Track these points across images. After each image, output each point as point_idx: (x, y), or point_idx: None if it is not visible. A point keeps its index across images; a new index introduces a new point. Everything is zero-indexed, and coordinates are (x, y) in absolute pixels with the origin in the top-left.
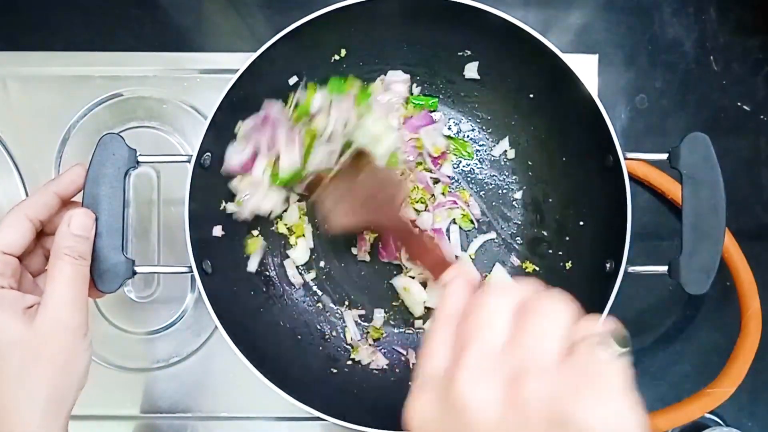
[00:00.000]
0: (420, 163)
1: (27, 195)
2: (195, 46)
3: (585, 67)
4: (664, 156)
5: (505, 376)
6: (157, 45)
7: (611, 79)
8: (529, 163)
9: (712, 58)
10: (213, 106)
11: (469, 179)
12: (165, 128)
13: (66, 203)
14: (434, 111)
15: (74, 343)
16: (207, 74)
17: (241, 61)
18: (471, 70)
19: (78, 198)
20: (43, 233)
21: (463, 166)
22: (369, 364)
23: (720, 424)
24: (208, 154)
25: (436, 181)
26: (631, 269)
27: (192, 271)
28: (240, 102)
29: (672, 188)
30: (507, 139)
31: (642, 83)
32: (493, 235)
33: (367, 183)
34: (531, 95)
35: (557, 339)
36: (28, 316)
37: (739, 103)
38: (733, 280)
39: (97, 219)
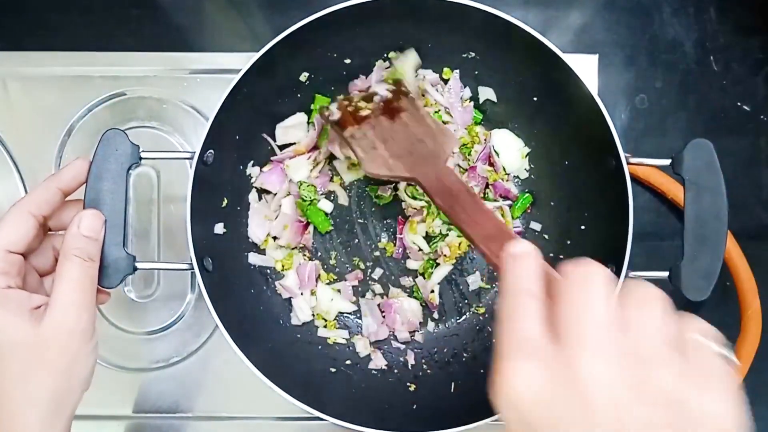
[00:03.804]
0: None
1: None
2: (195, 46)
3: (585, 67)
4: (666, 162)
5: (622, 358)
6: (157, 45)
7: (611, 80)
8: (531, 166)
9: (712, 58)
10: (214, 105)
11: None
12: (165, 128)
13: (67, 197)
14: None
15: (79, 347)
16: (207, 74)
17: (241, 61)
18: (486, 94)
19: (79, 193)
20: (50, 231)
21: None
22: (368, 362)
23: None
24: (211, 151)
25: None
26: (632, 274)
27: (193, 268)
28: (243, 99)
29: (673, 189)
30: None
31: (642, 83)
32: None
33: (409, 127)
34: (534, 98)
35: (664, 327)
36: (35, 317)
37: (739, 104)
38: (733, 280)
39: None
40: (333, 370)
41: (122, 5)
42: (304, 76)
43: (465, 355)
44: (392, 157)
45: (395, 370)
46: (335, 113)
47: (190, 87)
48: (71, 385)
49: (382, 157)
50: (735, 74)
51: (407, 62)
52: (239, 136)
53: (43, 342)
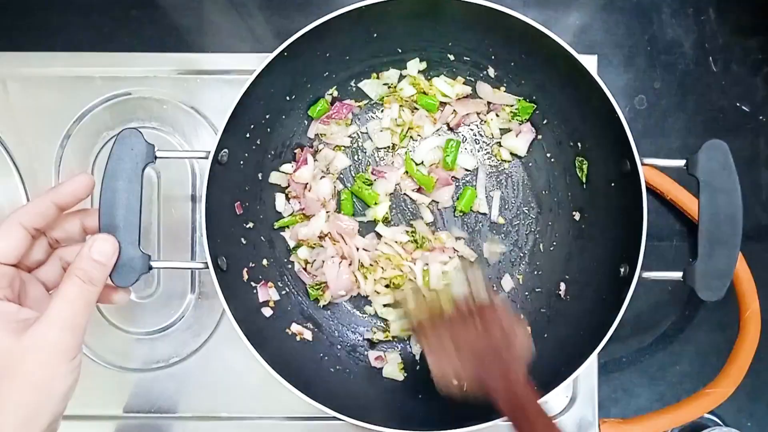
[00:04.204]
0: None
1: (27, 195)
2: (195, 47)
3: None
4: (681, 162)
5: None
6: (157, 46)
7: (610, 80)
8: (546, 167)
9: (711, 58)
10: (213, 105)
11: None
12: (165, 128)
13: (67, 210)
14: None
15: (55, 365)
16: (207, 75)
17: (242, 62)
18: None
19: (84, 204)
20: (57, 244)
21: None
22: (376, 363)
23: (719, 425)
24: (225, 150)
25: None
26: (645, 275)
27: (207, 267)
28: (256, 99)
29: (672, 189)
30: None
31: (641, 84)
32: (510, 241)
33: (484, 332)
34: (550, 102)
35: None
36: (20, 328)
37: (738, 104)
38: (732, 281)
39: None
40: (338, 367)
41: (122, 6)
42: (323, 74)
43: None
44: (463, 365)
45: (405, 369)
46: (412, 311)
47: (190, 88)
48: (41, 402)
49: (452, 365)
50: (734, 75)
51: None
52: (253, 135)
53: (19, 354)
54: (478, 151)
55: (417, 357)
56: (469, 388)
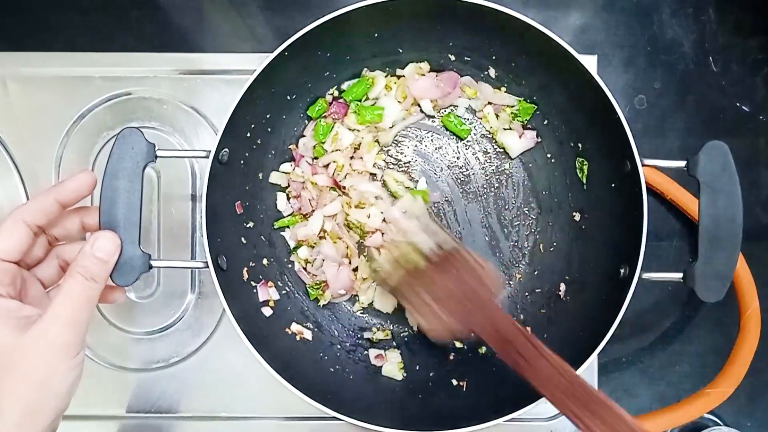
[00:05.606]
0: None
1: (27, 195)
2: (195, 47)
3: None
4: (681, 163)
5: None
6: (157, 46)
7: (610, 80)
8: (546, 167)
9: (711, 58)
10: (214, 105)
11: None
12: (165, 128)
13: (69, 207)
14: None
15: (57, 362)
16: (207, 75)
17: (242, 62)
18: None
19: (84, 201)
20: (56, 241)
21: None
22: (377, 363)
23: (719, 425)
24: (226, 150)
25: None
26: (645, 276)
27: (207, 266)
28: (257, 99)
29: (671, 188)
30: None
31: (641, 84)
32: (509, 242)
33: (458, 274)
34: (551, 102)
35: None
36: (22, 325)
37: (738, 104)
38: (732, 280)
39: (121, 239)
40: (338, 368)
41: (122, 6)
42: (323, 74)
43: (477, 354)
44: (447, 314)
45: (405, 369)
46: (386, 272)
47: (190, 88)
48: (44, 398)
49: (439, 317)
50: (734, 75)
51: (415, 206)
52: (253, 134)
53: (21, 350)
54: (480, 152)
55: (425, 364)
56: (459, 333)
